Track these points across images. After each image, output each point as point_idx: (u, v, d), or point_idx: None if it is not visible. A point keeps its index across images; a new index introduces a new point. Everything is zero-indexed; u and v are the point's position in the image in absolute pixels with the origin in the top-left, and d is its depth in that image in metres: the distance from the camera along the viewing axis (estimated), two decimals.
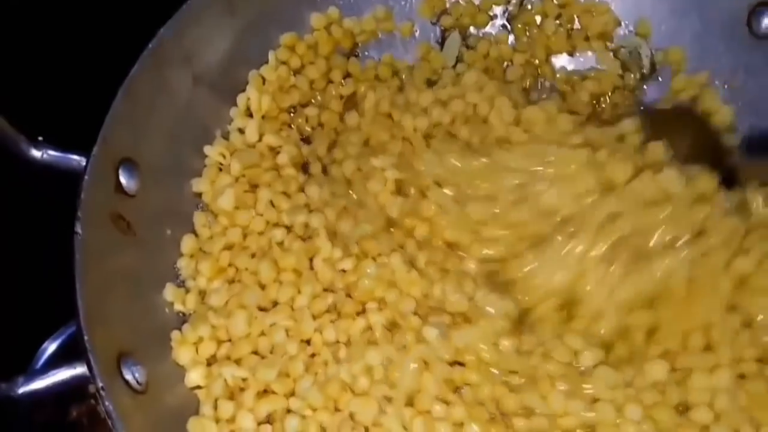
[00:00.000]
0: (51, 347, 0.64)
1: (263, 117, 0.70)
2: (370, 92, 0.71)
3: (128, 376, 0.54)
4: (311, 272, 0.61)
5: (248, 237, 0.64)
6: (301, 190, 0.66)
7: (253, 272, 0.62)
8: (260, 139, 0.70)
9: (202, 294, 0.62)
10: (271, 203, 0.65)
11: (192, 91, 0.68)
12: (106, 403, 0.49)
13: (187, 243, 0.64)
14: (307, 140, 0.71)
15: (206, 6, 0.67)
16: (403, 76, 0.74)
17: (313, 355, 0.59)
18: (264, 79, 0.72)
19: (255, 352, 0.59)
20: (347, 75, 0.74)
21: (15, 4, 0.73)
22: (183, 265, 0.64)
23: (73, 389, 0.56)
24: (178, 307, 0.62)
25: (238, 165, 0.67)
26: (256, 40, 0.72)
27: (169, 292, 0.62)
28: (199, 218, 0.66)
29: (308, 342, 0.59)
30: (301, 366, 0.58)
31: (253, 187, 0.67)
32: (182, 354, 0.59)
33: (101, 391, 0.50)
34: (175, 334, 0.60)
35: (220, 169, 0.68)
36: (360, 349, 0.57)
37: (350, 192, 0.66)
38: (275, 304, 0.61)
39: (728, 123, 0.72)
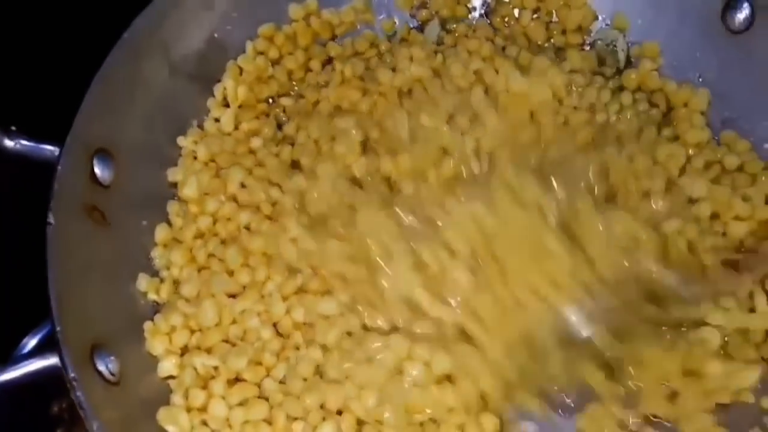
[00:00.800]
0: (31, 342, 0.63)
1: (240, 107, 0.71)
2: (344, 61, 0.72)
3: (101, 368, 0.54)
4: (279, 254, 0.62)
5: (218, 223, 0.64)
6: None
7: (221, 259, 0.62)
8: (236, 128, 0.70)
9: (176, 284, 0.62)
10: (242, 185, 0.66)
11: (168, 80, 0.68)
12: (78, 394, 0.49)
13: (161, 233, 0.64)
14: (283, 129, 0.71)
15: None
16: (381, 47, 0.74)
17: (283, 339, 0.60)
18: (241, 70, 0.72)
19: (226, 341, 0.60)
20: (327, 63, 0.74)
21: None
22: (157, 254, 0.64)
23: (54, 383, 0.56)
24: (152, 296, 0.62)
25: (205, 151, 0.67)
26: (234, 31, 0.72)
27: (143, 282, 0.62)
28: (172, 207, 0.66)
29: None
30: (272, 353, 0.58)
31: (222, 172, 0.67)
32: (155, 344, 0.59)
33: (73, 382, 0.50)
34: (147, 325, 0.60)
35: (195, 158, 0.68)
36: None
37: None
38: (245, 289, 0.61)
39: (704, 108, 0.72)
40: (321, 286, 0.60)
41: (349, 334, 0.59)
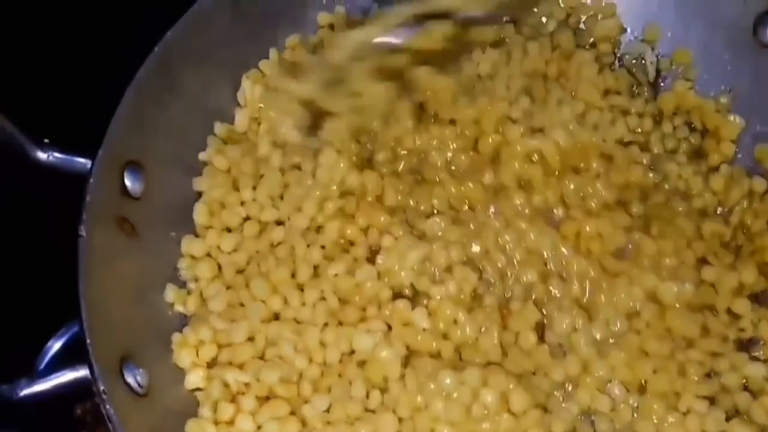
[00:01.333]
0: (55, 346, 0.64)
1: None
2: None
3: (130, 380, 0.55)
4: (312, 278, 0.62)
5: (245, 241, 0.65)
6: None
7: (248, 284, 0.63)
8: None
9: (204, 296, 0.63)
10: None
11: (199, 94, 0.69)
12: (108, 407, 0.50)
13: (188, 244, 0.65)
14: None
15: (212, 9, 0.68)
16: None
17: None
18: (262, 73, 0.72)
19: (259, 357, 0.60)
20: None
21: (22, 8, 0.74)
22: (184, 266, 0.64)
23: (78, 387, 0.57)
24: (178, 308, 0.62)
25: (222, 160, 0.68)
26: (261, 43, 0.73)
27: (170, 293, 0.62)
28: (199, 217, 0.66)
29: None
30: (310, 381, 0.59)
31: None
32: (183, 357, 0.59)
33: (103, 395, 0.50)
34: (175, 337, 0.60)
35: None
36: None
37: None
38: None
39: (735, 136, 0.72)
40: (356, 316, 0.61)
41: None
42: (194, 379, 0.59)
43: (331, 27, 0.74)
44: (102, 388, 0.51)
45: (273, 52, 0.73)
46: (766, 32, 0.71)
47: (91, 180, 0.58)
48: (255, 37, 0.72)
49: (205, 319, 0.60)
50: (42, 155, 0.61)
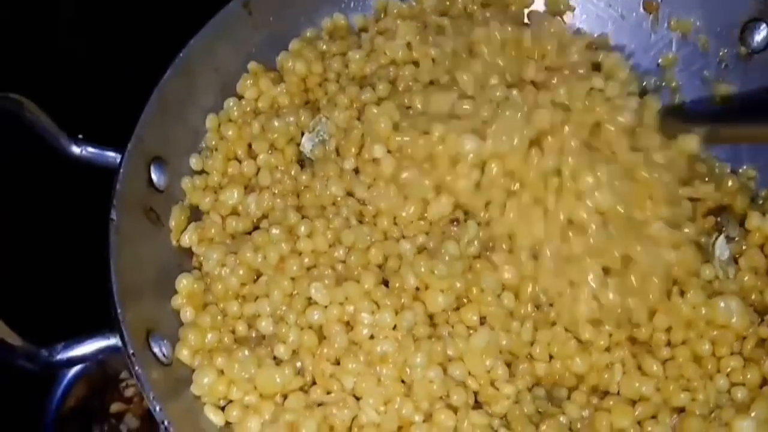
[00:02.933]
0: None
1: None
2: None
3: (156, 349, 0.59)
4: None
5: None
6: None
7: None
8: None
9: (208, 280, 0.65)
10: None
11: (218, 96, 0.74)
12: (136, 368, 0.54)
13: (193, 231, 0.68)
14: None
15: (232, 19, 0.73)
16: None
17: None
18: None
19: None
20: None
21: (59, 18, 0.79)
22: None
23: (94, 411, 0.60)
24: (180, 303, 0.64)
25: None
26: (276, 51, 0.77)
27: (183, 281, 0.64)
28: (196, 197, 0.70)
29: None
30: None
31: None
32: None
33: (132, 357, 0.55)
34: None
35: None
36: None
37: None
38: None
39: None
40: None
41: None
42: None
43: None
44: (131, 351, 0.55)
45: (283, 55, 0.76)
46: (752, 39, 0.75)
47: (121, 171, 0.63)
48: (270, 46, 0.77)
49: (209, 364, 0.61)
50: (76, 149, 0.66)
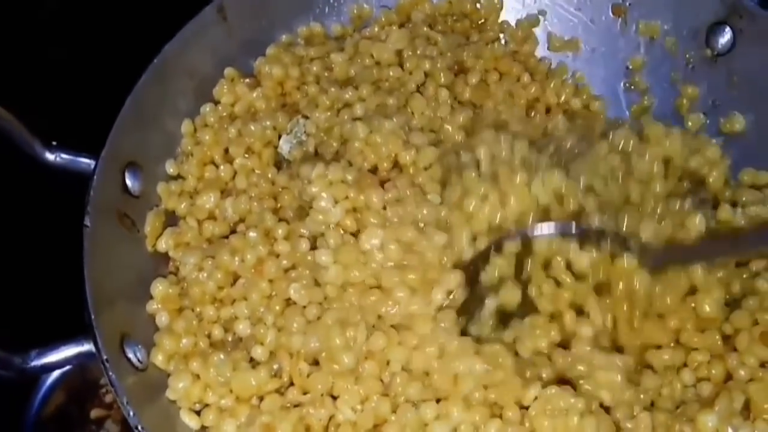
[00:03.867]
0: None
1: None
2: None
3: (130, 355, 0.60)
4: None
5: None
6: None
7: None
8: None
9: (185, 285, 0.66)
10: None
11: (193, 101, 0.74)
12: (110, 374, 0.55)
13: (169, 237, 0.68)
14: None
15: (206, 25, 0.74)
16: None
17: None
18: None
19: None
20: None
21: (33, 23, 0.79)
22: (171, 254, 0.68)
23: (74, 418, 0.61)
24: (154, 307, 0.64)
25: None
26: (254, 58, 0.78)
27: (158, 286, 0.65)
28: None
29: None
30: None
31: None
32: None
33: (106, 363, 0.55)
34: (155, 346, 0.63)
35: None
36: None
37: None
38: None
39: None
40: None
41: None
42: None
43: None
44: (105, 357, 0.55)
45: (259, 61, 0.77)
46: (717, 42, 0.77)
47: (95, 178, 0.63)
48: (247, 51, 0.78)
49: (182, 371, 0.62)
50: (50, 156, 0.66)
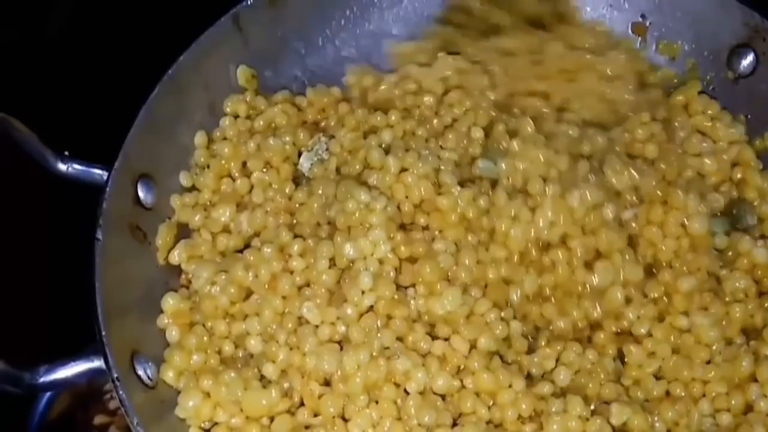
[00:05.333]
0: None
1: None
2: None
3: (140, 372, 0.59)
4: None
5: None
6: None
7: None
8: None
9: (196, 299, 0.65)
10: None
11: (208, 113, 0.73)
12: (120, 392, 0.54)
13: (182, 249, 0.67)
14: None
15: (222, 35, 0.73)
16: None
17: None
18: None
19: None
20: None
21: (49, 31, 0.78)
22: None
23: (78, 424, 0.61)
24: (166, 322, 0.64)
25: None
26: (269, 70, 0.77)
27: (169, 300, 0.64)
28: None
29: None
30: None
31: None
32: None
33: (116, 381, 0.54)
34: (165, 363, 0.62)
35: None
36: None
37: None
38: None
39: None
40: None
41: None
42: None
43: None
44: (115, 375, 0.54)
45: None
46: (739, 64, 0.76)
47: (107, 189, 0.63)
48: (264, 64, 0.77)
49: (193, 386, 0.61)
50: (62, 166, 0.65)
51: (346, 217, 0.65)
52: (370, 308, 0.62)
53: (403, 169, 0.67)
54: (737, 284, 0.65)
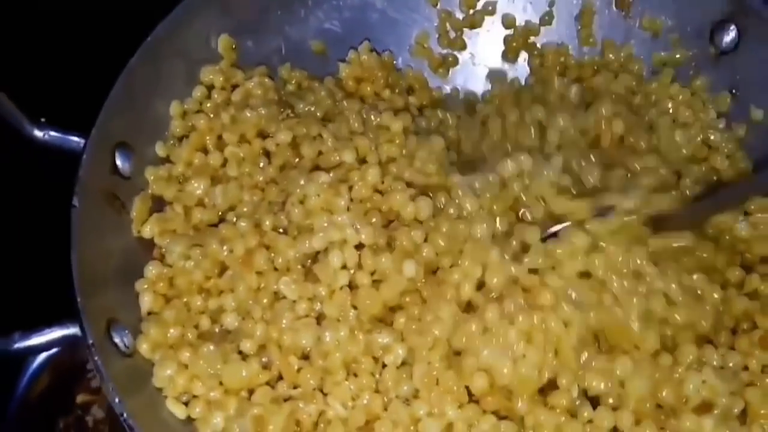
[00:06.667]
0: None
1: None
2: None
3: (117, 340, 0.58)
4: None
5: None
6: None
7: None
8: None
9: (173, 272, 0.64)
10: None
11: (186, 83, 0.72)
12: (95, 359, 0.53)
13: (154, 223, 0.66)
14: None
15: (200, 4, 0.72)
16: None
17: None
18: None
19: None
20: None
21: (25, 3, 0.77)
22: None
23: (60, 402, 0.58)
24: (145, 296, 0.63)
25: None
26: (251, 39, 0.76)
27: (151, 269, 0.64)
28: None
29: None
30: None
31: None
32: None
33: (91, 348, 0.53)
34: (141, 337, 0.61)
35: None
36: None
37: None
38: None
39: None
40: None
41: None
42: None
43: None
44: (91, 341, 0.54)
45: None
46: (722, 39, 0.76)
47: (84, 157, 0.62)
48: (244, 33, 0.76)
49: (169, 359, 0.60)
50: (39, 133, 0.64)
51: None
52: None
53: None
54: None
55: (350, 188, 0.65)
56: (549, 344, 0.59)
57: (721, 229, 0.67)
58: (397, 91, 0.78)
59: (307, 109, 0.72)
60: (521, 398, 0.59)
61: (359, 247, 0.63)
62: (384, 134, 0.69)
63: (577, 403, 0.59)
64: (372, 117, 0.71)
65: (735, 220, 0.67)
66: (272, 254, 0.63)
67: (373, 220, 0.64)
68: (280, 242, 0.63)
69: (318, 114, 0.72)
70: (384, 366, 0.60)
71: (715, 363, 0.59)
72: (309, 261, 0.63)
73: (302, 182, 0.64)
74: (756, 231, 0.67)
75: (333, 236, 0.62)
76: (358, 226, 0.62)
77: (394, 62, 0.81)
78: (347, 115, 0.71)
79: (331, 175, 0.65)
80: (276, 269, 0.63)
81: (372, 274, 0.62)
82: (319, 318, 0.61)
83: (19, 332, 0.54)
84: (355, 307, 0.61)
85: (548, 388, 0.60)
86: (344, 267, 0.62)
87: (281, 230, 0.65)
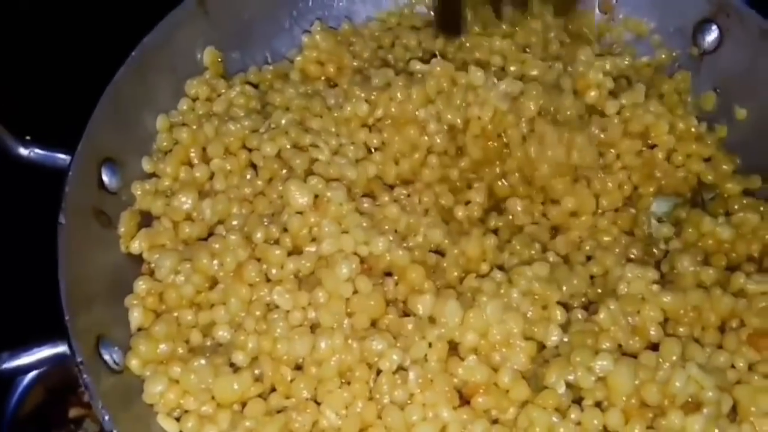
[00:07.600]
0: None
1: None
2: None
3: (106, 356, 0.58)
4: None
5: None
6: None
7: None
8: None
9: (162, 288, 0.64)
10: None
11: (173, 97, 0.72)
12: (84, 376, 0.53)
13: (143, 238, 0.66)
14: None
15: (186, 18, 0.72)
16: None
17: None
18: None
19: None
20: None
21: (12, 13, 0.77)
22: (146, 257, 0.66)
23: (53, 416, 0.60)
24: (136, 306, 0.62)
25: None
26: (236, 52, 0.77)
27: (141, 285, 0.63)
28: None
29: None
30: None
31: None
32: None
33: (80, 366, 0.53)
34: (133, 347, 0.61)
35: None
36: None
37: None
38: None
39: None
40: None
41: None
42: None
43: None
44: (80, 359, 0.53)
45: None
46: (704, 39, 0.76)
47: (70, 173, 0.61)
48: (230, 46, 0.76)
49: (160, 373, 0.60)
50: (24, 151, 0.64)
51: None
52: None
53: None
54: None
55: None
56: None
57: (703, 233, 0.68)
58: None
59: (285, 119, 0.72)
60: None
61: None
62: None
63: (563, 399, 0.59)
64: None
65: (715, 224, 0.68)
66: (264, 266, 0.63)
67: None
68: (271, 253, 0.63)
69: (296, 117, 0.71)
70: (378, 372, 0.60)
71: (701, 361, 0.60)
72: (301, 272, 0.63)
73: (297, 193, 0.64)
74: (738, 231, 0.67)
75: (343, 245, 0.63)
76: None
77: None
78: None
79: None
80: (269, 280, 0.63)
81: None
82: (313, 327, 0.61)
83: (7, 352, 0.54)
84: (350, 315, 0.61)
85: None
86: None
87: (272, 241, 0.65)
